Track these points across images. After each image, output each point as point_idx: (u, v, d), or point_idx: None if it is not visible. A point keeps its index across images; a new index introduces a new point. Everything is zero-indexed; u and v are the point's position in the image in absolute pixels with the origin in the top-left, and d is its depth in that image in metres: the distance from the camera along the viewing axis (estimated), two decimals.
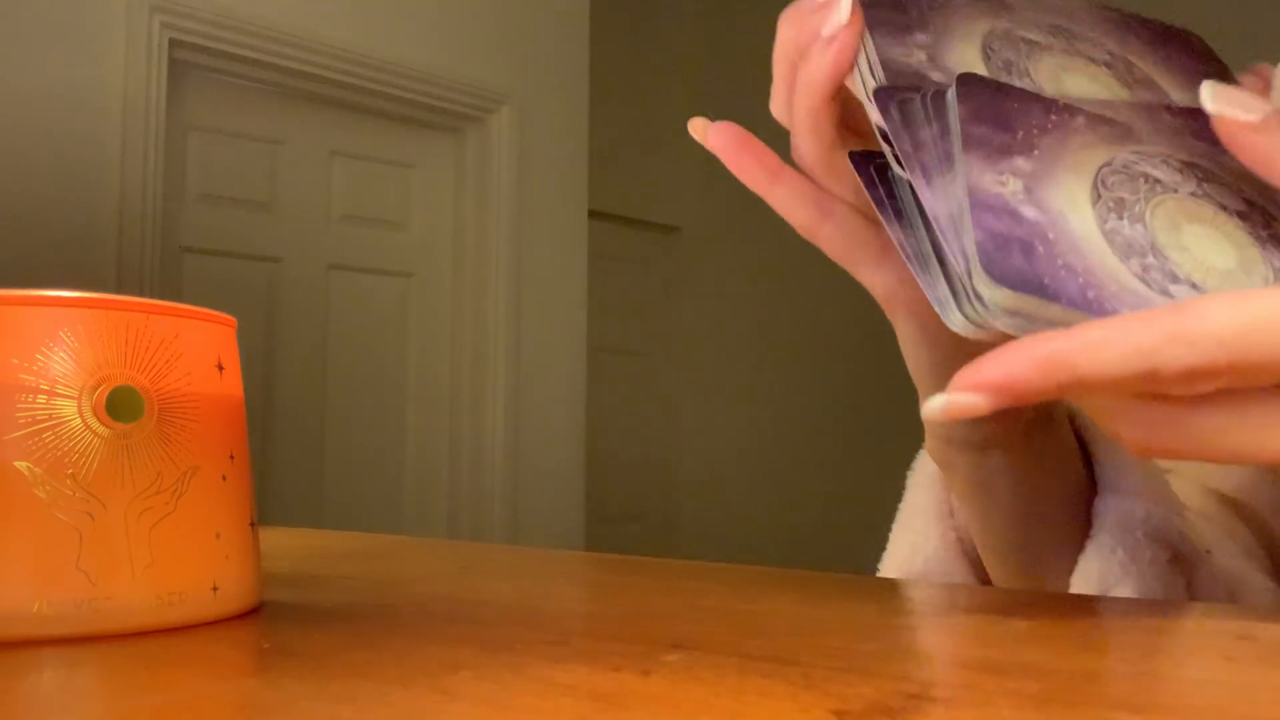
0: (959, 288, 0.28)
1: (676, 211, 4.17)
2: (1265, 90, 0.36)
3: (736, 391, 4.15)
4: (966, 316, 0.28)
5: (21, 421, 0.30)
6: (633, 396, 4.23)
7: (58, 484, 0.30)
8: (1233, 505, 0.52)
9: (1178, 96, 0.35)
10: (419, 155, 3.20)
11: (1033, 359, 0.26)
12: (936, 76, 0.30)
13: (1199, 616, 0.36)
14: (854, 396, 3.96)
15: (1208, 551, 0.46)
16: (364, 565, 0.51)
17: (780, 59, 0.37)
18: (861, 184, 0.32)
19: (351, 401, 3.04)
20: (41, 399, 0.30)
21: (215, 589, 0.32)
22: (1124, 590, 0.43)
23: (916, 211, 0.30)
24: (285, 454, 2.88)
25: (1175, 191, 0.30)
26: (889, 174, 0.32)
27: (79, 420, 0.30)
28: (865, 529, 3.86)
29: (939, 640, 0.31)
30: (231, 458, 0.34)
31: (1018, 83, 0.30)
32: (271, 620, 0.34)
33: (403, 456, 3.14)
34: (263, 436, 2.81)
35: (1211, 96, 0.30)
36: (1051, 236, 0.28)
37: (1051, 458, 0.44)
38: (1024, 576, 0.47)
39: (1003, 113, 0.30)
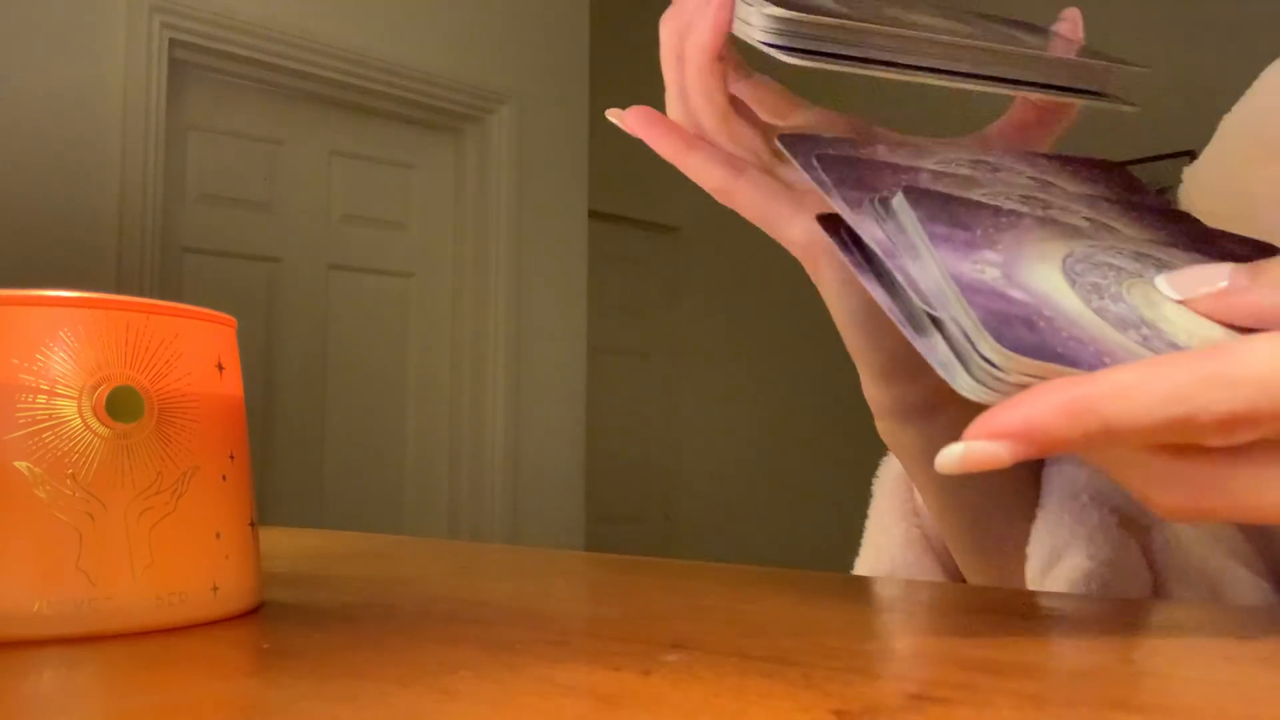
0: (962, 350, 0.27)
1: (676, 211, 4.17)
2: (1075, 30, 0.39)
3: (736, 391, 4.15)
4: (977, 379, 0.27)
5: (21, 421, 0.30)
6: (633, 396, 4.23)
7: (58, 484, 0.30)
8: None
9: None
10: (419, 155, 3.20)
11: (1057, 405, 0.24)
12: (1015, 294, 0.28)
13: (1199, 616, 0.36)
14: (854, 396, 3.95)
15: (1161, 523, 0.46)
16: (364, 565, 0.51)
17: (666, 54, 0.40)
18: (837, 249, 0.32)
19: (351, 401, 3.04)
20: (41, 399, 0.30)
21: (215, 589, 0.32)
22: (1075, 556, 0.43)
23: (898, 276, 0.29)
24: (285, 454, 2.88)
25: (1140, 276, 0.30)
26: (862, 240, 0.31)
27: (79, 420, 0.30)
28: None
29: (939, 640, 0.31)
30: (231, 458, 0.34)
31: (1111, 306, 0.29)
32: (271, 620, 0.34)
33: (403, 456, 3.14)
34: (263, 436, 2.81)
35: (1171, 288, 0.29)
36: (1048, 314, 0.27)
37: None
38: (986, 556, 0.47)
39: (956, 215, 0.30)
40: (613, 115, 0.41)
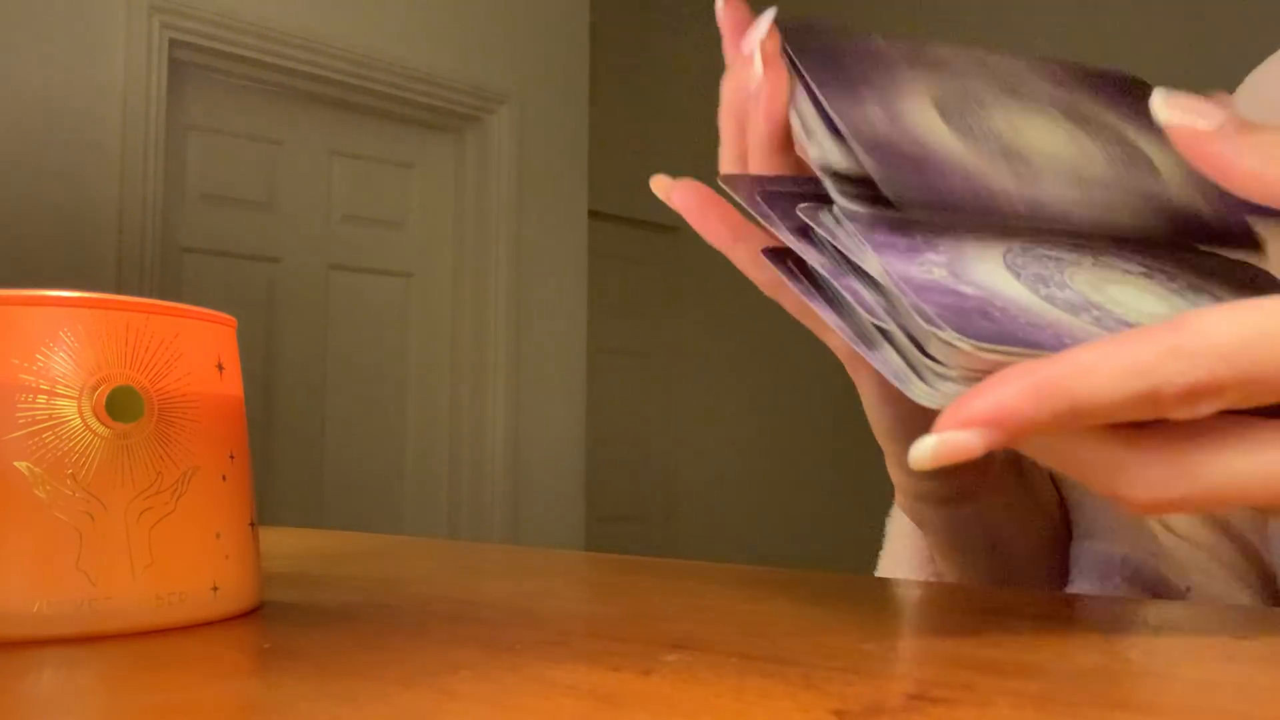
0: (913, 358, 0.27)
1: (676, 212, 4.17)
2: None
3: (736, 391, 4.15)
4: (929, 385, 0.27)
5: (21, 421, 0.30)
6: (633, 396, 4.23)
7: (58, 484, 0.30)
8: (1221, 526, 0.52)
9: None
10: (419, 155, 3.20)
11: (1024, 388, 0.24)
12: (964, 289, 0.28)
13: (1199, 616, 0.36)
14: (854, 396, 3.95)
15: (1188, 589, 0.46)
16: (364, 565, 0.51)
17: (726, 116, 0.38)
18: (784, 277, 0.32)
19: (351, 401, 3.04)
20: (41, 399, 0.30)
21: (215, 589, 0.32)
22: None
23: (845, 295, 0.29)
24: (285, 454, 2.88)
25: (1079, 265, 0.31)
26: (808, 266, 0.31)
27: (79, 420, 0.30)
28: (865, 529, 3.85)
29: (939, 640, 0.31)
30: (231, 458, 0.34)
31: (1059, 293, 0.29)
32: (271, 620, 0.34)
33: (403, 456, 3.14)
34: (263, 436, 2.81)
35: (1165, 104, 0.29)
36: (1000, 304, 0.28)
37: (1024, 507, 0.44)
38: None
39: (895, 224, 0.30)
40: (658, 188, 0.39)
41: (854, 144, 0.30)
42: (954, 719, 0.20)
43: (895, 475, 0.43)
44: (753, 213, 0.33)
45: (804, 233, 0.31)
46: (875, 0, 3.81)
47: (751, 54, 0.35)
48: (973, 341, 0.26)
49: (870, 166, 0.29)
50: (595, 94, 3.46)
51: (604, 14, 3.57)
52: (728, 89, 0.37)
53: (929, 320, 0.26)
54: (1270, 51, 0.54)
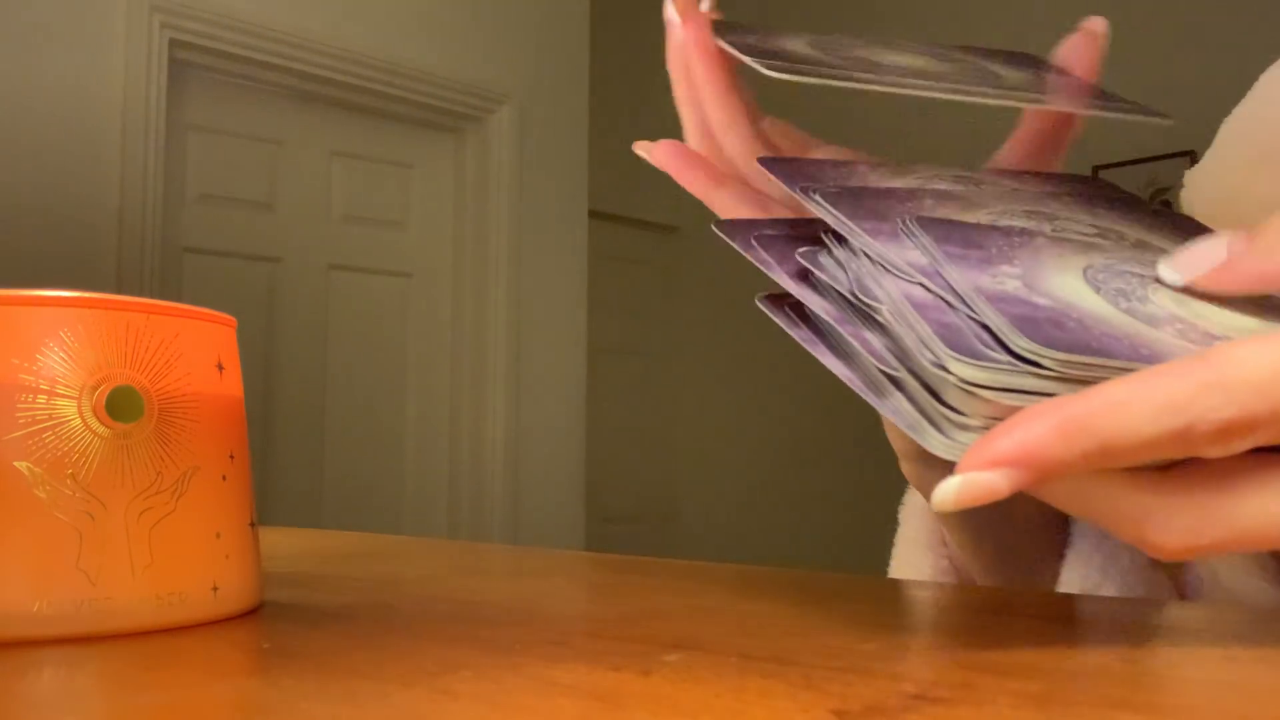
0: (927, 408, 0.26)
1: (676, 211, 4.17)
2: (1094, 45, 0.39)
3: (737, 391, 4.15)
4: (945, 433, 0.26)
5: (21, 421, 0.30)
6: (633, 396, 4.23)
7: (58, 484, 0.30)
8: None
9: None
10: (419, 155, 3.20)
11: (1051, 426, 0.23)
12: (1039, 300, 0.27)
13: (1199, 616, 0.36)
14: (854, 396, 3.96)
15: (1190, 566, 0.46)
16: (364, 565, 0.51)
17: (678, 93, 0.41)
18: (784, 325, 0.31)
19: (351, 401, 3.04)
20: (41, 399, 0.30)
21: (215, 589, 0.32)
22: (1106, 594, 0.43)
23: (848, 341, 0.28)
24: (285, 454, 2.88)
25: (1154, 280, 0.30)
26: (806, 311, 0.31)
27: (79, 420, 0.30)
28: (866, 529, 3.87)
29: (939, 640, 0.31)
30: (231, 458, 0.34)
31: (1140, 307, 0.28)
32: (271, 620, 0.34)
33: (403, 456, 3.14)
34: (263, 436, 2.81)
35: (1173, 272, 0.29)
36: (1076, 315, 0.26)
37: None
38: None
39: (968, 237, 0.29)
40: (640, 149, 0.41)
41: (973, 297, 0.27)
42: (954, 719, 0.20)
43: (894, 441, 0.43)
44: (750, 258, 0.32)
45: (804, 277, 0.30)
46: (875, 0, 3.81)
47: (670, 18, 0.39)
48: (1047, 351, 0.24)
49: (992, 315, 0.26)
50: (595, 94, 3.46)
51: (604, 14, 3.57)
52: (670, 64, 0.40)
53: (1001, 331, 0.25)
54: (1267, 50, 0.54)
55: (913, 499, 0.52)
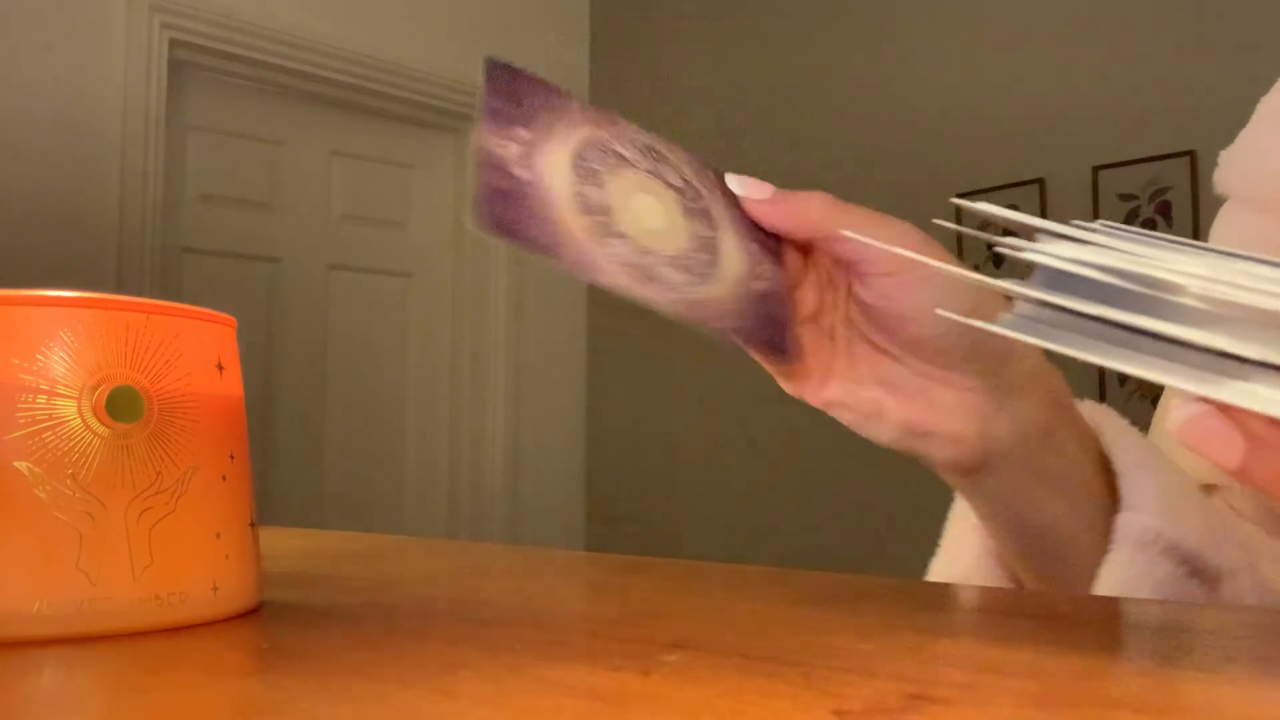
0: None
1: None
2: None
3: (737, 392, 4.15)
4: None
5: (21, 421, 0.30)
6: (633, 396, 4.23)
7: (58, 484, 0.30)
8: None
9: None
10: (419, 155, 3.20)
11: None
12: (520, 173, 0.34)
13: (1199, 616, 0.36)
14: None
15: (1222, 572, 0.45)
16: (364, 565, 0.51)
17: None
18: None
19: (351, 401, 3.04)
20: (41, 399, 0.30)
21: (215, 589, 0.32)
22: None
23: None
24: (285, 454, 2.88)
25: (635, 167, 0.38)
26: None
27: (79, 420, 0.30)
28: (866, 529, 3.86)
29: (939, 640, 0.31)
30: (231, 458, 0.34)
31: (593, 191, 0.36)
32: (271, 620, 0.34)
33: (403, 456, 3.14)
34: (263, 436, 2.81)
35: (737, 183, 0.40)
36: (534, 193, 0.34)
37: (1054, 478, 0.44)
38: (1057, 586, 0.47)
39: (516, 89, 0.36)
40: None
41: (474, 157, 0.34)
42: (954, 719, 0.20)
43: (941, 450, 0.43)
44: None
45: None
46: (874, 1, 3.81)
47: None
48: (479, 227, 0.32)
49: (473, 181, 0.34)
50: (595, 93, 3.46)
51: (604, 14, 3.57)
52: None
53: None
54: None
55: (960, 498, 0.52)
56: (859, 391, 0.42)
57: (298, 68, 2.82)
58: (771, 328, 0.39)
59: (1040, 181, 3.33)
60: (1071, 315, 0.26)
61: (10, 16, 2.34)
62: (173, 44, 2.61)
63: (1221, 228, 0.58)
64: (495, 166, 0.34)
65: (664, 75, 4.36)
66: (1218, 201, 0.59)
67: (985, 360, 0.41)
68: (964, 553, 0.50)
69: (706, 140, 4.33)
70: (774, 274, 0.40)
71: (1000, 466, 0.42)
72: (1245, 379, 0.24)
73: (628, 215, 0.36)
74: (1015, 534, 0.46)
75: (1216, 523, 0.47)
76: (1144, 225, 3.16)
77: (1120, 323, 0.25)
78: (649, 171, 0.38)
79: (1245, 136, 0.57)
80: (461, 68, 3.11)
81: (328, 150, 3.03)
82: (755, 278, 0.39)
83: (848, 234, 0.39)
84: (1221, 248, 0.26)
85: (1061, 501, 0.44)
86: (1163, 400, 0.60)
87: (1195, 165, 3.03)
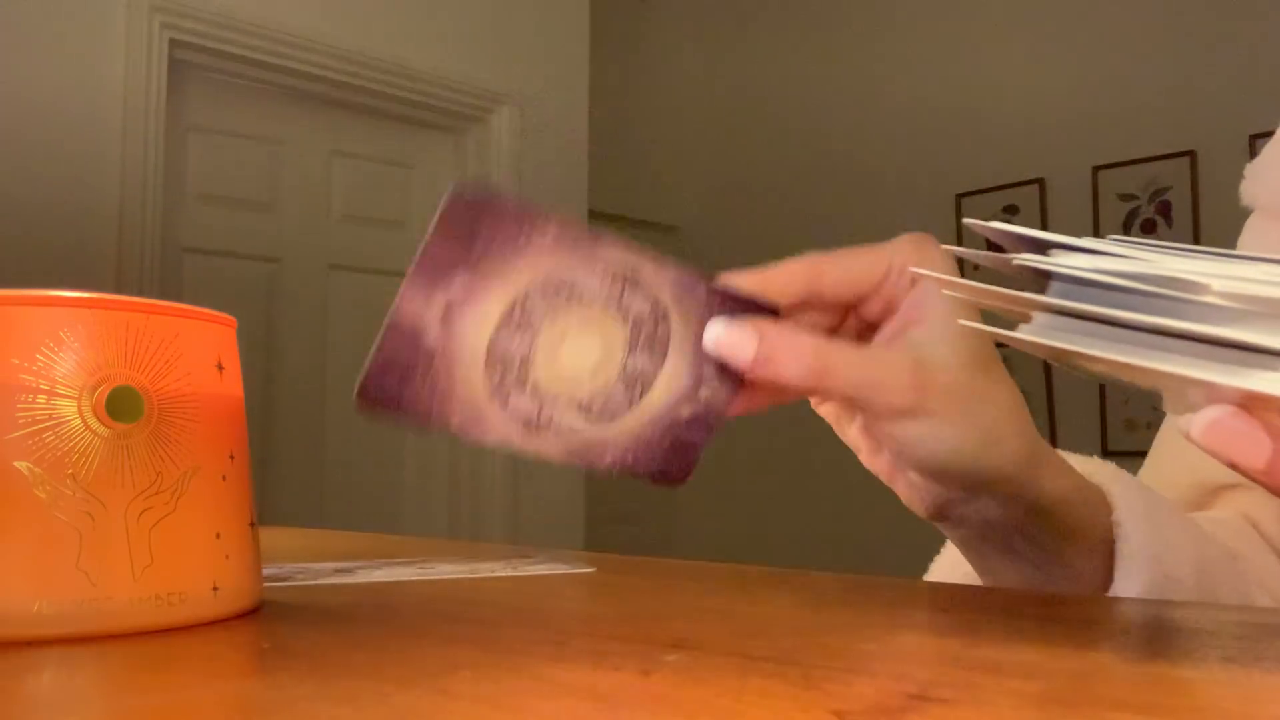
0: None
1: (676, 211, 4.17)
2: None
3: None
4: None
5: (21, 421, 0.30)
6: None
7: (58, 484, 0.30)
8: None
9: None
10: (419, 155, 3.20)
11: None
12: (430, 340, 0.32)
13: (1199, 616, 0.36)
14: None
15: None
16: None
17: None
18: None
19: (351, 401, 3.03)
20: (41, 399, 0.30)
21: (215, 589, 0.32)
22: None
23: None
24: (285, 454, 2.88)
25: (590, 303, 0.34)
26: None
27: (79, 420, 0.30)
28: (866, 529, 3.85)
29: (939, 640, 0.31)
30: (231, 458, 0.34)
31: (517, 340, 0.33)
32: (271, 620, 0.34)
33: (403, 456, 3.14)
34: (263, 436, 2.81)
35: (712, 344, 0.36)
36: (439, 361, 0.32)
37: (1030, 557, 0.43)
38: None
39: (474, 227, 0.32)
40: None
41: (387, 320, 0.32)
42: (954, 719, 0.20)
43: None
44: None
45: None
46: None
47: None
48: (362, 404, 0.30)
49: (374, 348, 0.32)
50: (595, 94, 3.46)
51: (604, 14, 3.57)
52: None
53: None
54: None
55: None
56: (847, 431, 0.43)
57: (298, 68, 2.82)
58: (673, 455, 0.37)
59: (1040, 181, 3.33)
60: (1089, 322, 0.26)
61: (10, 16, 2.34)
62: (173, 44, 2.61)
63: (1248, 239, 0.58)
64: (404, 335, 0.32)
65: (664, 75, 4.36)
66: (1218, 202, 0.59)
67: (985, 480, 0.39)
68: (963, 562, 0.50)
69: (706, 140, 4.33)
70: (723, 394, 0.37)
71: (958, 517, 0.41)
72: (1274, 370, 0.24)
73: (551, 362, 0.34)
74: (989, 578, 0.46)
75: (1209, 560, 0.47)
76: (1144, 225, 3.15)
77: (1144, 326, 0.25)
78: (607, 303, 0.35)
79: (1270, 150, 0.58)
80: (461, 68, 3.11)
81: (328, 150, 3.03)
82: (690, 400, 0.37)
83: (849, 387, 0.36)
84: (1229, 251, 0.26)
85: (1037, 574, 0.44)
86: (1160, 433, 0.60)
87: (1195, 165, 3.03)
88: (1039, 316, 0.28)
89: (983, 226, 0.30)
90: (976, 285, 0.29)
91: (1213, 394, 0.25)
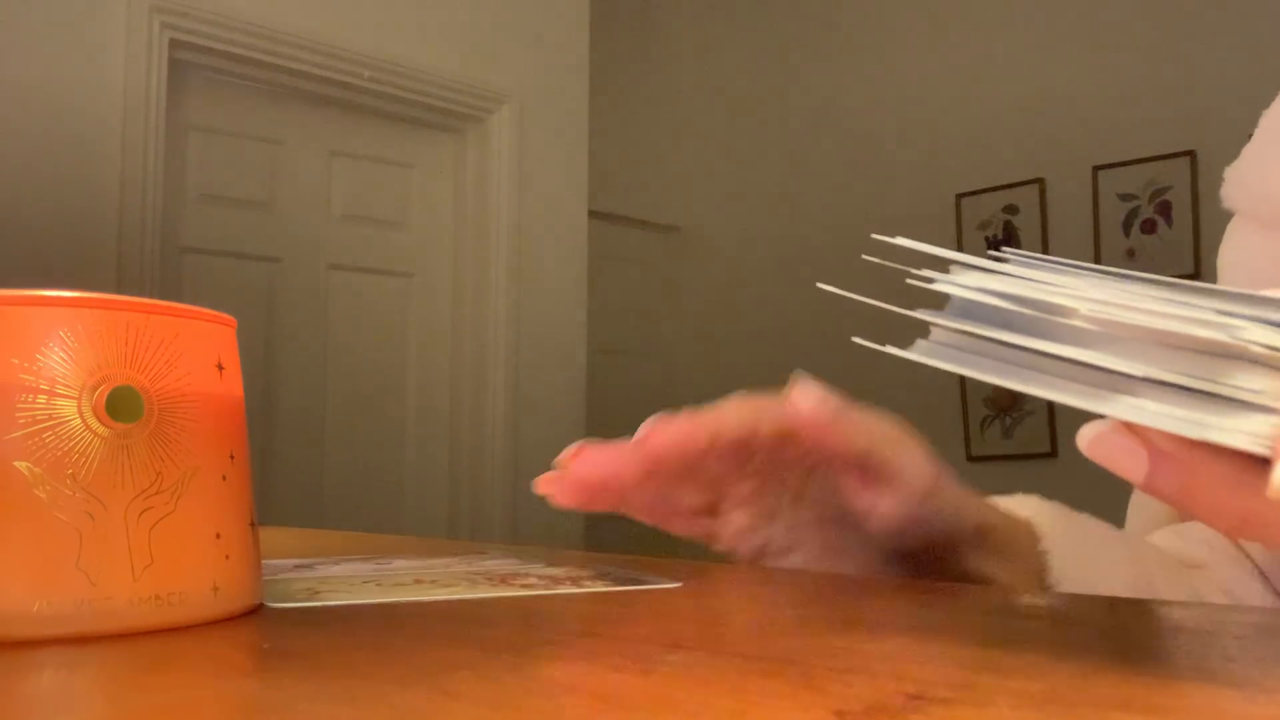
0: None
1: (676, 211, 4.17)
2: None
3: (736, 391, 4.15)
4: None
5: (21, 421, 0.30)
6: (633, 396, 4.23)
7: (58, 484, 0.30)
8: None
9: None
10: (419, 155, 3.20)
11: None
12: None
13: (1199, 616, 0.36)
14: (853, 397, 3.97)
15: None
16: None
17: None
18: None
19: (351, 401, 3.04)
20: (41, 399, 0.30)
21: (215, 589, 0.32)
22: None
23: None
24: (285, 454, 2.88)
25: None
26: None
27: (79, 420, 0.30)
28: None
29: (939, 640, 0.31)
30: (231, 458, 0.34)
31: None
32: (271, 620, 0.34)
33: (403, 456, 3.14)
34: (263, 436, 2.81)
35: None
36: None
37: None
38: None
39: None
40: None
41: None
42: (954, 719, 0.20)
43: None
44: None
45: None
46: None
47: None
48: None
49: None
50: (595, 94, 3.46)
51: (604, 14, 3.57)
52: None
53: None
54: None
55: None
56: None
57: (298, 68, 2.82)
58: None
59: (1040, 181, 3.33)
60: (981, 341, 0.27)
61: (10, 16, 2.34)
62: (173, 44, 2.61)
63: (1228, 243, 0.58)
64: None
65: (664, 75, 4.36)
66: (1218, 202, 0.59)
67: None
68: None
69: (706, 141, 4.33)
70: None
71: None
72: (1134, 394, 0.25)
73: None
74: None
75: (1150, 576, 0.48)
76: (1144, 225, 3.15)
77: (1022, 346, 0.26)
78: None
79: (1248, 153, 0.58)
80: (461, 68, 3.11)
81: (328, 150, 3.03)
82: None
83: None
84: (1122, 271, 0.26)
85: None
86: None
87: (1195, 165, 3.03)
88: (935, 334, 0.28)
89: (880, 243, 0.31)
90: (875, 304, 0.30)
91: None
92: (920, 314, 0.28)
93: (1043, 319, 0.26)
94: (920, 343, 0.28)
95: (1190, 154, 3.03)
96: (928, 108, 3.60)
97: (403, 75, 2.99)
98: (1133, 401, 0.24)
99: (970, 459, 3.30)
